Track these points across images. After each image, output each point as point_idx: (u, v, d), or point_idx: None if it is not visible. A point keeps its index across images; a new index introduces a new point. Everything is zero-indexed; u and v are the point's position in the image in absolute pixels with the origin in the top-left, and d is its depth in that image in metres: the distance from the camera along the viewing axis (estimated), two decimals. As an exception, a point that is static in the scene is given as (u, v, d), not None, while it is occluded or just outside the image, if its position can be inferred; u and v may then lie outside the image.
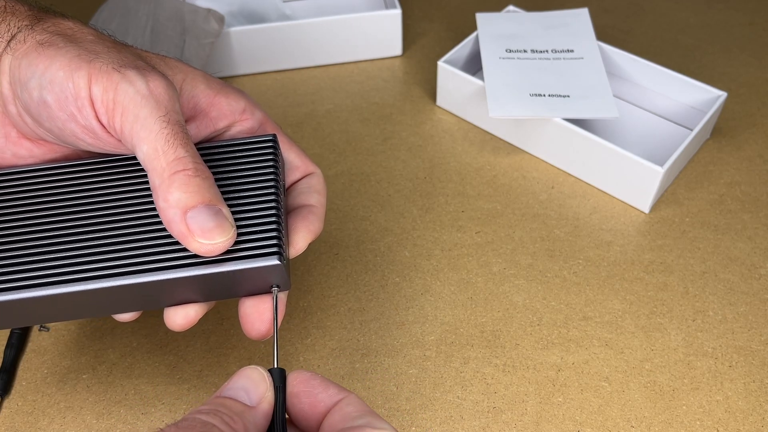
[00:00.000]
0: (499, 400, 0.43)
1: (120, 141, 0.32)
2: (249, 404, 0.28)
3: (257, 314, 0.35)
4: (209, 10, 0.60)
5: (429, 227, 0.52)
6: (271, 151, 0.36)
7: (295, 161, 0.39)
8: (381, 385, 0.44)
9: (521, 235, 0.52)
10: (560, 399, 0.43)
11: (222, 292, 0.34)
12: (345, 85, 0.64)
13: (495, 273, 0.49)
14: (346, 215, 0.53)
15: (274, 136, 0.36)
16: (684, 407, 0.43)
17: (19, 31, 0.33)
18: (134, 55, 0.34)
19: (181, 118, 0.32)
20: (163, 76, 0.32)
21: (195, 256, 0.32)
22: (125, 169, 0.35)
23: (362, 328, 0.46)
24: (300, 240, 0.36)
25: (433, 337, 0.46)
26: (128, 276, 0.32)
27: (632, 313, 0.47)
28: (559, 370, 0.44)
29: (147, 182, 0.34)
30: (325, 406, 0.28)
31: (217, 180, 0.34)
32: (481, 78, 0.57)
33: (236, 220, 0.33)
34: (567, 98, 0.54)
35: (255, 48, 0.63)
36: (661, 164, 0.50)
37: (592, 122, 0.57)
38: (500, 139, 0.59)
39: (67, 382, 0.44)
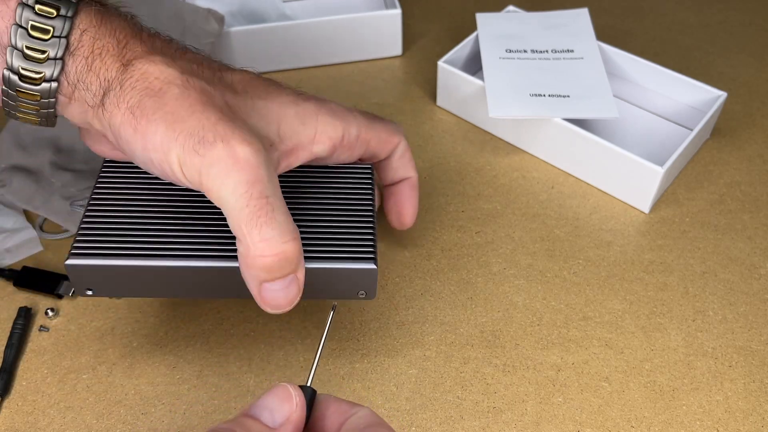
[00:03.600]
0: (499, 400, 0.43)
1: None
2: (270, 425, 0.27)
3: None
4: (209, 10, 0.60)
5: (429, 227, 0.52)
6: (369, 177, 0.43)
7: (382, 134, 0.43)
8: (381, 385, 0.44)
9: (521, 235, 0.52)
10: (560, 399, 0.43)
11: (312, 290, 0.38)
12: (345, 85, 0.64)
13: (495, 273, 0.49)
14: (346, 215, 0.53)
15: (371, 165, 0.44)
16: (684, 407, 0.43)
17: (111, 89, 0.33)
18: (220, 108, 0.34)
19: (268, 186, 0.33)
20: (250, 142, 0.33)
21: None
22: None
23: (362, 328, 0.46)
24: (409, 211, 0.46)
25: (433, 337, 0.46)
26: (229, 259, 0.37)
27: (632, 313, 0.47)
28: (559, 370, 0.44)
29: None
30: (338, 423, 0.28)
31: (324, 197, 0.41)
32: (481, 78, 0.57)
33: (339, 231, 0.39)
34: (567, 98, 0.54)
35: (255, 48, 0.63)
36: (661, 164, 0.50)
37: (592, 122, 0.57)
38: (500, 139, 0.59)
39: (67, 382, 0.44)
